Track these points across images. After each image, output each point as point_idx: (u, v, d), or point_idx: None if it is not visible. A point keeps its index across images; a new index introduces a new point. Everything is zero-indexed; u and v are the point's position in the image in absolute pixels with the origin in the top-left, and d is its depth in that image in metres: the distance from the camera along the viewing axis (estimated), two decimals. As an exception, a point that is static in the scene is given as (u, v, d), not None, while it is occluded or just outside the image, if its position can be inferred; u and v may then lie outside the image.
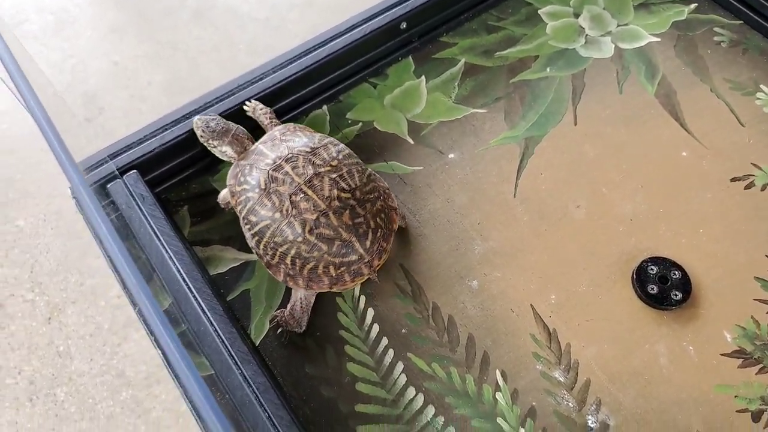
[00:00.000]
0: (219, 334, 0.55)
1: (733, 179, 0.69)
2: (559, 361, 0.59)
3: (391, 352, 0.60)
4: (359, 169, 0.60)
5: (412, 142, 0.72)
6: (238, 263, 0.65)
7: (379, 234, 0.59)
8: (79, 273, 1.35)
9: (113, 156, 0.63)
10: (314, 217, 0.56)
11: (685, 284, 0.62)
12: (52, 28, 1.72)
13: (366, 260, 0.58)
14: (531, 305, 0.62)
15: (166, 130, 0.65)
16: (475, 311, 0.62)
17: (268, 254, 0.58)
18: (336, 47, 0.71)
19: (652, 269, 0.63)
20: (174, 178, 0.69)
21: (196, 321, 0.55)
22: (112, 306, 1.34)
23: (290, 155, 0.58)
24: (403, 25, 0.74)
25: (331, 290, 0.60)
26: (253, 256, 0.65)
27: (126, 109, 1.64)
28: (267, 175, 0.58)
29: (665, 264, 0.63)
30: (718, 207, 0.67)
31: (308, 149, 0.59)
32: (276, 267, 0.59)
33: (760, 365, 0.58)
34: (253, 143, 0.63)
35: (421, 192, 0.69)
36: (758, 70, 0.76)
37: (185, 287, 0.56)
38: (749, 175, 0.69)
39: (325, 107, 0.75)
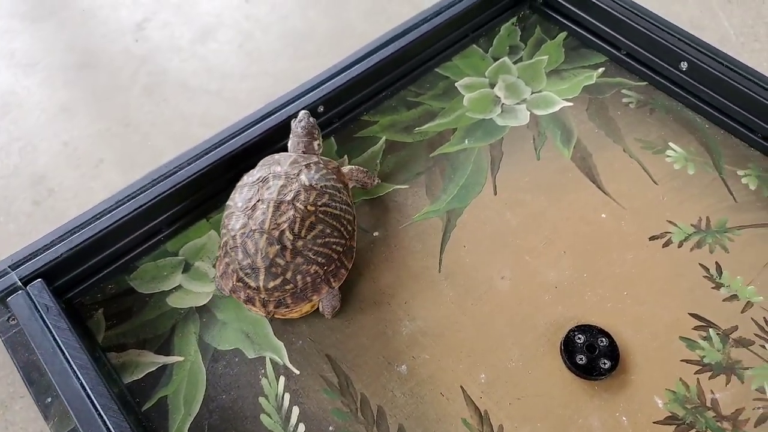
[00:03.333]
0: (127, 455, 0.51)
1: (652, 238, 0.70)
2: (493, 445, 0.57)
3: (318, 453, 0.57)
4: (326, 232, 0.60)
5: (334, 224, 0.71)
6: (155, 367, 0.62)
7: (288, 287, 0.59)
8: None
9: (16, 265, 0.61)
10: (253, 227, 0.58)
11: (613, 351, 0.61)
12: (-3, 111, 1.69)
13: (262, 296, 0.59)
14: (461, 387, 0.60)
15: (74, 233, 0.63)
16: (405, 399, 0.60)
17: (221, 227, 0.63)
18: (253, 135, 0.71)
19: (579, 338, 0.62)
20: (89, 281, 0.66)
21: (101, 443, 0.51)
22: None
23: (294, 177, 0.62)
24: (320, 109, 0.75)
25: (232, 296, 0.61)
26: (171, 359, 0.62)
27: (77, 190, 1.60)
28: (267, 175, 0.62)
29: (592, 331, 0.63)
30: (639, 267, 0.68)
31: (310, 185, 0.61)
32: (220, 242, 0.63)
33: (693, 430, 0.57)
34: (314, 152, 0.69)
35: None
36: (666, 128, 0.79)
37: (90, 405, 0.53)
38: (666, 232, 0.70)
39: (246, 194, 0.74)
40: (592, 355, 0.61)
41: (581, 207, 0.72)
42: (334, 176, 0.65)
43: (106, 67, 1.95)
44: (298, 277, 0.59)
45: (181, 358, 0.62)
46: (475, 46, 0.87)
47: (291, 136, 0.70)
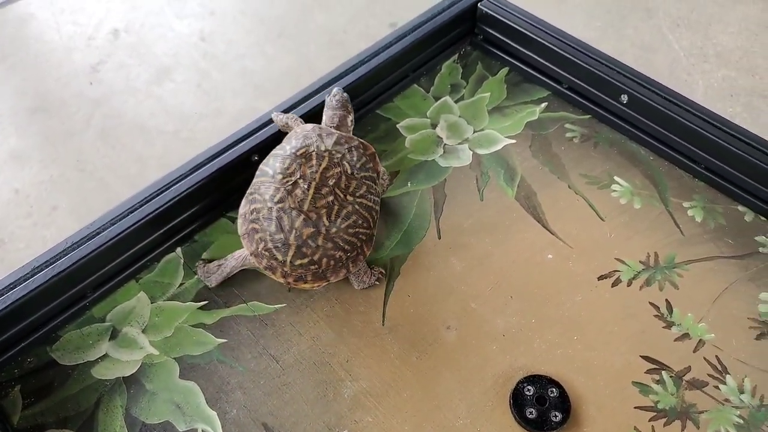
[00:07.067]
0: None
1: (600, 277, 0.68)
2: None
3: None
4: (358, 222, 0.62)
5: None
6: (76, 449, 0.57)
7: (312, 267, 0.61)
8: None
9: None
10: (292, 206, 0.59)
11: (564, 402, 0.59)
12: (-56, 159, 1.63)
13: (285, 269, 0.60)
14: (406, 451, 0.57)
15: (-16, 307, 0.58)
16: (346, 468, 0.56)
17: (251, 187, 0.63)
18: (180, 189, 0.67)
19: (528, 390, 0.59)
20: (4, 355, 0.62)
21: None
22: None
23: (337, 161, 0.62)
24: (255, 158, 0.72)
25: (251, 258, 0.62)
26: (94, 438, 0.57)
27: (29, 239, 1.54)
28: (310, 150, 0.62)
29: (541, 382, 0.60)
30: (589, 310, 0.66)
31: (351, 173, 0.62)
32: (245, 200, 0.63)
33: (650, 485, 0.55)
34: (348, 127, 0.71)
35: (285, 333, 0.64)
36: (610, 161, 0.78)
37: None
38: (615, 271, 0.68)
39: (178, 249, 0.70)
40: (542, 407, 0.58)
41: (527, 248, 0.70)
42: (372, 164, 0.66)
43: (60, 111, 1.90)
44: (324, 260, 0.61)
45: (104, 437, 0.57)
46: (416, 85, 0.86)
47: (325, 109, 0.71)
